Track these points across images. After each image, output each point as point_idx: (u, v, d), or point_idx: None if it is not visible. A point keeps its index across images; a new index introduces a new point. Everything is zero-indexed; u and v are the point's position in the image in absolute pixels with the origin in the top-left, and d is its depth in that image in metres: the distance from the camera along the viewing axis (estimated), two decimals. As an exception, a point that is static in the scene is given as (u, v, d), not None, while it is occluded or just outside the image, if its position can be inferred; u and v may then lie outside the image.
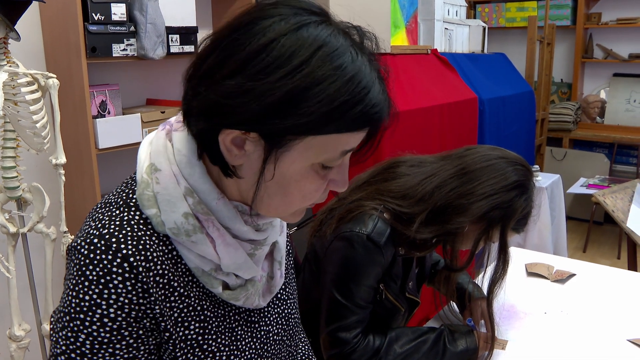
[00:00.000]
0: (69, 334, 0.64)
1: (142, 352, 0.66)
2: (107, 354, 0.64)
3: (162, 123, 0.73)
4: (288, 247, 0.93)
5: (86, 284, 0.63)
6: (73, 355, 0.64)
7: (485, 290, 1.33)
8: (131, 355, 0.65)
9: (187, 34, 2.26)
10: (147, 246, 0.66)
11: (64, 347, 0.64)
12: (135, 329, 0.65)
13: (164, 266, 0.67)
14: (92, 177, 2.03)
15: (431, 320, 1.56)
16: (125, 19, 2.03)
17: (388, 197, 1.22)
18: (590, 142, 4.85)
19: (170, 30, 2.18)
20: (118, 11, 2.02)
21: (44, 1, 1.72)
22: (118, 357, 0.64)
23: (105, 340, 0.63)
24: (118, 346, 0.64)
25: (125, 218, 0.67)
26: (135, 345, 0.65)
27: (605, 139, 4.68)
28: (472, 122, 3.00)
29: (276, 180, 0.65)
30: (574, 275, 1.80)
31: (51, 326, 0.69)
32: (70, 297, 0.64)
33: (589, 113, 4.93)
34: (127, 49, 2.05)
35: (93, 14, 1.94)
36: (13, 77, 1.67)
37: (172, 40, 2.21)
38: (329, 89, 0.58)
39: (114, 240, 0.64)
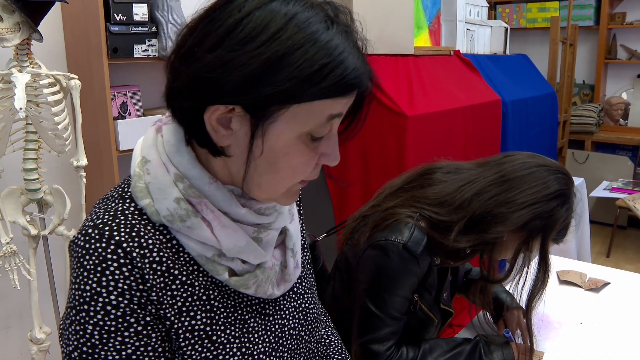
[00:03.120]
0: (77, 328, 0.64)
1: (154, 339, 0.66)
2: (117, 343, 0.63)
3: (153, 121, 0.75)
4: (304, 241, 0.91)
5: (85, 274, 0.63)
6: (85, 348, 0.63)
7: (520, 300, 1.29)
8: (142, 342, 0.65)
9: (208, 35, 2.23)
10: (142, 233, 0.66)
11: (75, 343, 0.64)
12: (141, 316, 0.64)
13: (161, 254, 0.67)
14: (113, 179, 2.00)
15: (463, 329, 1.51)
16: (147, 20, 2.01)
17: (424, 204, 1.18)
18: (613, 145, 4.75)
19: (192, 30, 2.16)
20: (140, 11, 1.99)
21: (67, 2, 1.70)
22: (129, 345, 0.64)
23: (113, 328, 0.63)
24: (126, 334, 0.63)
25: (120, 209, 0.68)
26: (145, 332, 0.65)
27: (629, 142, 4.59)
28: (495, 124, 2.95)
29: (265, 155, 0.64)
30: (609, 283, 1.75)
31: (60, 326, 0.68)
32: (73, 291, 0.65)
33: (611, 115, 4.84)
34: (148, 50, 2.03)
35: (115, 15, 1.92)
36: (35, 78, 1.65)
37: (193, 40, 2.18)
38: (307, 53, 0.59)
39: (107, 228, 0.65)
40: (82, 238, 0.65)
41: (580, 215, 3.20)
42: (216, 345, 0.70)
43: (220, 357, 0.71)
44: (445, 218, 1.15)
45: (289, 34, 0.59)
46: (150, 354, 0.65)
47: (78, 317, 0.64)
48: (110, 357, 0.63)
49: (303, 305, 0.85)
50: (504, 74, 3.37)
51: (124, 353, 0.63)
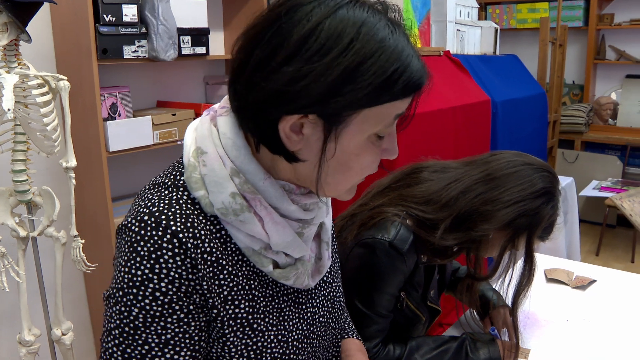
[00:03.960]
0: (123, 309, 0.66)
1: (192, 327, 0.68)
2: (159, 327, 0.65)
3: (206, 110, 0.76)
4: (333, 230, 0.94)
5: (138, 259, 0.65)
6: (127, 328, 0.65)
7: (507, 298, 1.30)
8: (182, 329, 0.67)
9: (198, 36, 2.23)
10: (195, 224, 0.67)
11: (117, 322, 0.66)
12: (185, 304, 0.66)
13: (211, 244, 0.69)
14: (103, 181, 2.00)
15: (451, 327, 1.52)
16: (136, 20, 2.01)
17: (411, 202, 1.19)
18: (602, 145, 4.79)
19: (181, 31, 2.16)
20: (129, 12, 1.99)
21: (55, 2, 1.70)
22: (169, 331, 0.66)
23: (157, 314, 0.65)
24: (169, 320, 0.65)
25: (174, 197, 0.69)
26: (186, 320, 0.67)
27: (618, 141, 4.62)
28: (485, 124, 2.97)
29: (337, 157, 0.67)
30: (595, 281, 1.76)
31: (104, 303, 0.70)
32: (122, 274, 0.66)
33: (601, 115, 4.87)
34: (138, 51, 2.03)
35: (104, 15, 1.92)
36: (24, 79, 1.65)
37: (183, 41, 2.18)
38: (380, 60, 0.62)
39: (163, 217, 0.66)
40: (136, 224, 0.66)
41: (567, 214, 3.23)
42: (256, 332, 0.73)
43: (260, 343, 0.74)
44: (431, 216, 1.16)
45: (361, 43, 0.61)
46: (187, 340, 0.67)
47: (125, 299, 0.65)
48: (149, 339, 0.65)
49: (332, 294, 0.88)
50: (494, 74, 3.39)
51: (163, 337, 0.66)
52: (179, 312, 0.66)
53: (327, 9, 0.62)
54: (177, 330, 0.66)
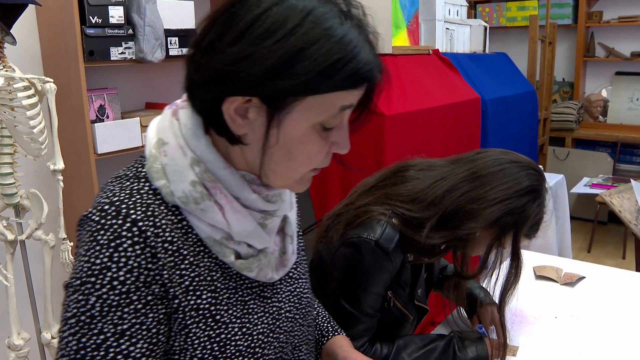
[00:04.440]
0: (80, 297, 0.65)
1: (150, 319, 0.67)
2: (115, 317, 0.65)
3: (169, 105, 0.77)
4: (299, 229, 0.95)
5: (97, 248, 0.65)
6: (83, 317, 0.65)
7: (494, 296, 1.30)
8: (139, 320, 0.66)
9: (185, 37, 2.22)
10: (156, 213, 0.68)
11: (74, 310, 0.66)
12: (144, 294, 0.66)
13: (172, 234, 0.69)
14: (91, 183, 1.99)
15: (439, 326, 1.52)
16: (123, 22, 2.00)
17: (397, 201, 1.19)
18: (593, 142, 4.82)
19: (168, 32, 2.15)
20: (116, 14, 1.99)
21: (40, 4, 1.69)
22: (126, 321, 0.65)
23: (114, 303, 0.65)
24: (126, 310, 0.65)
25: (135, 188, 0.70)
26: (143, 311, 0.66)
27: (608, 138, 4.65)
28: (475, 123, 2.97)
29: (281, 144, 0.68)
30: (584, 278, 1.77)
31: (64, 293, 0.70)
32: (82, 263, 0.66)
33: (591, 112, 4.90)
34: (125, 52, 2.02)
35: (90, 17, 1.91)
36: (9, 81, 1.64)
37: (170, 43, 2.17)
38: (322, 48, 0.62)
39: (123, 206, 0.67)
40: (97, 213, 0.67)
41: (558, 211, 3.24)
42: (219, 324, 0.73)
43: (223, 335, 0.73)
44: (417, 215, 1.16)
45: (305, 29, 0.62)
46: (144, 332, 0.67)
47: (82, 288, 0.65)
48: (105, 329, 0.65)
49: (298, 290, 0.88)
50: (483, 72, 3.40)
51: (119, 327, 0.65)
52: (136, 303, 0.66)
53: None
54: (133, 321, 0.66)
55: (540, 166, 3.54)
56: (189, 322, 0.71)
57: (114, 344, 0.65)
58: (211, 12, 0.67)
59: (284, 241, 0.84)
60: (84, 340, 0.65)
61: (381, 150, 2.13)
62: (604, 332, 1.45)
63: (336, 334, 1.05)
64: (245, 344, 0.76)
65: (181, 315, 0.70)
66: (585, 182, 4.25)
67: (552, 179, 3.43)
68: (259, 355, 0.77)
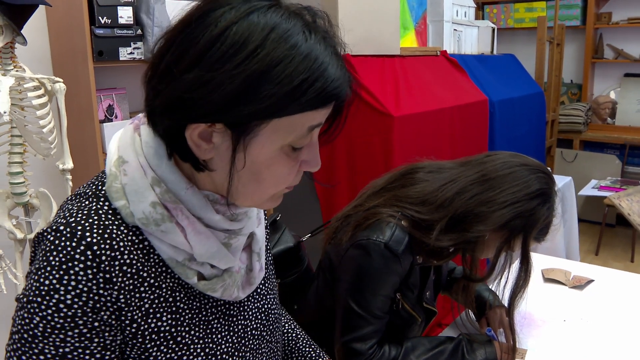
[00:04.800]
0: (25, 314, 0.64)
1: (95, 344, 0.65)
2: (57, 340, 0.64)
3: (132, 118, 0.74)
4: (267, 243, 0.92)
5: (48, 269, 0.63)
6: (26, 335, 0.64)
7: (502, 298, 1.30)
8: (83, 345, 0.65)
9: (194, 37, 2.23)
10: (114, 235, 0.66)
11: (18, 327, 0.65)
12: (90, 320, 0.64)
13: (131, 256, 0.67)
14: (100, 183, 2.00)
15: (447, 328, 1.52)
16: (132, 22, 2.01)
17: (406, 203, 1.19)
18: (601, 144, 4.79)
19: (177, 33, 2.16)
20: (125, 14, 1.99)
21: (50, 5, 1.70)
22: (68, 344, 0.64)
23: (58, 325, 0.63)
24: (70, 333, 0.64)
25: (94, 208, 0.68)
26: (88, 335, 0.65)
27: (617, 140, 4.62)
28: (482, 124, 2.96)
29: (248, 168, 0.65)
30: (592, 281, 1.76)
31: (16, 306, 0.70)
32: (32, 281, 0.65)
33: (599, 114, 4.87)
34: (134, 53, 2.03)
35: (100, 18, 1.92)
36: (20, 81, 1.65)
37: (179, 43, 2.18)
38: (287, 69, 0.59)
39: (79, 228, 0.64)
40: (52, 233, 0.65)
41: (566, 213, 3.22)
42: (180, 346, 0.71)
43: (185, 357, 0.71)
44: (426, 217, 1.16)
45: (267, 50, 0.59)
46: (87, 357, 0.65)
47: (29, 306, 0.64)
48: (46, 350, 0.64)
49: (266, 306, 0.86)
50: (491, 74, 3.39)
51: (60, 350, 0.64)
52: (81, 327, 0.64)
53: (237, 14, 0.60)
54: (76, 344, 0.64)
55: (548, 168, 3.54)
56: (148, 345, 0.69)
57: None
58: (167, 30, 0.63)
59: (251, 258, 0.81)
60: (24, 358, 0.64)
61: (389, 151, 2.12)
62: (614, 336, 1.44)
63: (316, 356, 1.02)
64: None
65: (140, 340, 0.68)
66: (593, 185, 4.23)
67: (560, 181, 3.41)
68: None
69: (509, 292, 1.24)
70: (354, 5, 2.26)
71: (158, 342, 0.69)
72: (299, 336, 1.04)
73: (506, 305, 1.28)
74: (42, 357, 0.64)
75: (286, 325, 1.05)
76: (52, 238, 0.64)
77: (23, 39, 1.63)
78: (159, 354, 0.69)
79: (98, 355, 0.66)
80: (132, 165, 0.68)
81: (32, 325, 0.64)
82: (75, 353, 0.64)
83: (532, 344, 1.41)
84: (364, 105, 2.12)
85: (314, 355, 1.02)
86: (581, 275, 1.79)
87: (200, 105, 0.60)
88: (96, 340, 0.65)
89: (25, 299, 0.65)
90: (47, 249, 0.64)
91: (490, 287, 1.50)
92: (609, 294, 1.68)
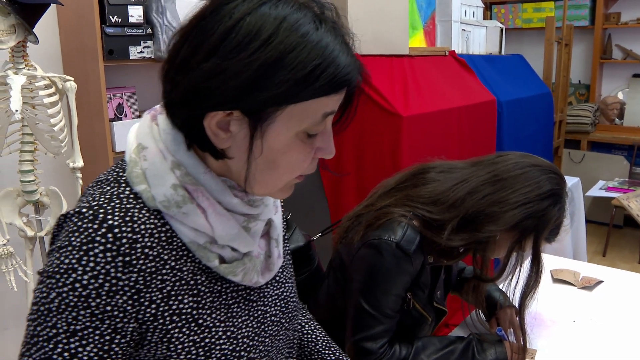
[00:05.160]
0: (44, 289, 0.67)
1: (105, 326, 0.67)
2: (70, 317, 0.65)
3: (148, 110, 0.76)
4: (284, 233, 0.94)
5: (69, 248, 0.65)
6: (42, 308, 0.66)
7: (513, 298, 1.30)
8: (93, 325, 0.66)
9: (204, 36, 2.23)
10: (135, 218, 0.68)
11: (37, 299, 0.67)
12: (103, 303, 0.66)
13: (152, 239, 0.68)
14: (109, 181, 2.01)
15: (457, 328, 1.52)
16: (142, 21, 2.02)
17: (418, 203, 1.19)
18: (609, 144, 4.77)
19: (187, 32, 2.16)
20: (135, 13, 2.00)
21: (62, 4, 1.71)
22: (79, 323, 0.65)
23: (72, 304, 0.65)
24: (82, 312, 0.65)
25: (115, 192, 0.69)
26: (100, 317, 0.66)
27: (625, 141, 4.60)
28: (490, 124, 2.96)
29: (265, 155, 0.67)
30: (602, 282, 1.76)
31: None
32: (53, 259, 0.67)
33: (607, 115, 4.85)
34: (144, 52, 2.04)
35: (110, 17, 1.93)
36: (31, 80, 1.66)
37: (189, 42, 2.18)
38: (300, 55, 0.61)
39: (101, 211, 0.66)
40: (75, 215, 0.67)
41: (573, 214, 3.21)
42: (202, 328, 0.73)
43: (207, 339, 0.73)
44: (438, 217, 1.16)
45: (280, 39, 0.61)
46: (97, 337, 0.66)
47: (47, 281, 0.66)
48: (58, 325, 0.65)
49: (285, 294, 0.88)
50: (499, 74, 3.38)
51: (72, 327, 0.65)
52: (93, 308, 0.65)
53: (250, 6, 0.62)
54: (87, 324, 0.65)
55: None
56: (170, 327, 0.70)
57: (64, 340, 0.65)
58: (182, 26, 0.66)
59: (269, 245, 0.83)
60: (39, 328, 0.66)
61: (397, 151, 2.12)
62: (623, 336, 1.44)
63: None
64: (230, 347, 0.75)
65: (161, 321, 0.70)
66: (600, 186, 4.21)
67: (568, 182, 3.39)
68: (245, 358, 0.77)
69: (519, 293, 1.24)
70: (363, 5, 2.26)
71: (180, 324, 0.71)
72: (319, 338, 1.04)
73: (517, 305, 1.28)
74: (54, 330, 0.65)
75: (306, 325, 1.05)
76: (75, 220, 0.67)
77: (35, 38, 1.64)
78: (180, 335, 0.71)
79: (107, 337, 0.67)
80: (152, 151, 0.70)
81: (48, 300, 0.66)
82: (85, 332, 0.66)
83: (542, 344, 1.41)
84: (372, 105, 2.12)
85: (333, 358, 1.02)
86: (590, 276, 1.79)
87: (217, 93, 0.62)
88: (107, 322, 0.66)
89: (45, 275, 0.67)
90: (70, 229, 0.66)
91: (500, 287, 1.50)
92: (618, 295, 1.67)
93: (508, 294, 1.36)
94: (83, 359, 0.65)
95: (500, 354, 1.26)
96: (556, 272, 1.82)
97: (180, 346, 0.71)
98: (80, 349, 0.66)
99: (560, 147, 4.49)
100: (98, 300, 0.65)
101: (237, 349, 0.76)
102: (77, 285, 0.64)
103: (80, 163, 1.81)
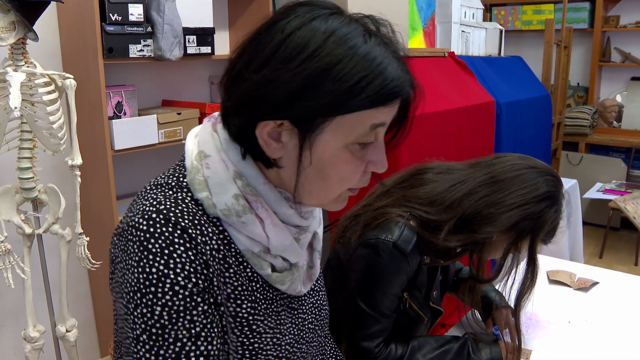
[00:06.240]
0: (144, 310, 0.64)
1: (217, 318, 0.68)
2: (186, 322, 0.65)
3: (207, 117, 0.78)
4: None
5: (150, 257, 0.64)
6: (154, 330, 0.64)
7: (509, 299, 1.30)
8: (209, 320, 0.67)
9: (203, 35, 2.24)
10: (202, 222, 0.69)
11: (143, 326, 0.65)
12: (206, 297, 0.67)
13: (218, 242, 0.70)
14: (108, 179, 2.01)
15: (453, 328, 1.52)
16: (142, 20, 2.02)
17: (415, 203, 1.19)
18: (606, 147, 4.78)
19: (187, 31, 2.17)
20: (135, 12, 2.01)
21: (62, 1, 1.71)
22: (197, 324, 0.66)
23: (182, 308, 0.65)
24: (194, 312, 0.66)
25: (180, 197, 0.70)
26: (210, 311, 0.67)
27: (623, 144, 4.62)
28: (489, 126, 2.96)
29: (314, 165, 0.69)
30: (597, 283, 1.76)
31: (115, 309, 0.70)
32: (136, 274, 0.65)
33: (605, 117, 4.86)
34: (144, 50, 2.04)
35: (110, 15, 1.93)
36: (30, 77, 1.66)
37: (189, 41, 2.19)
38: (346, 67, 0.63)
39: (171, 214, 0.67)
40: (145, 222, 0.66)
41: (570, 216, 3.22)
42: (254, 333, 0.74)
43: (256, 344, 0.74)
44: (435, 217, 1.17)
45: (327, 50, 0.63)
46: (216, 330, 0.68)
47: (145, 300, 0.64)
48: (180, 336, 0.65)
49: (319, 302, 0.90)
50: (498, 75, 3.39)
51: (193, 331, 0.66)
52: (202, 304, 0.66)
53: (302, 21, 0.65)
54: (204, 322, 0.66)
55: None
56: (225, 328, 0.72)
57: (192, 347, 0.65)
58: (243, 40, 0.69)
59: (312, 256, 0.85)
60: (162, 352, 0.64)
61: (396, 151, 2.13)
62: (618, 338, 1.45)
63: None
64: (274, 353, 0.77)
65: (223, 322, 0.72)
66: (598, 188, 4.22)
67: (565, 184, 3.38)
68: None
69: (515, 293, 1.25)
70: (362, 5, 2.26)
71: (233, 326, 0.72)
72: (332, 351, 1.03)
73: (512, 306, 1.29)
74: (179, 344, 0.65)
75: (331, 351, 1.04)
76: (145, 227, 0.66)
77: (35, 35, 1.64)
78: (232, 336, 0.72)
79: (217, 330, 0.69)
80: (214, 160, 0.72)
81: (156, 318, 0.64)
82: (205, 330, 0.67)
83: (537, 345, 1.41)
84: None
85: None
86: (586, 277, 1.80)
87: (267, 102, 0.65)
88: (217, 314, 0.69)
89: (137, 295, 0.65)
90: (143, 238, 0.65)
91: (496, 287, 1.50)
92: (614, 297, 1.68)
93: (504, 295, 1.36)
94: (215, 356, 0.67)
95: (496, 354, 1.27)
96: (552, 273, 1.83)
97: (230, 346, 0.72)
98: (210, 347, 0.67)
99: (558, 149, 4.50)
100: (202, 296, 0.66)
101: (280, 355, 0.78)
102: (177, 288, 0.65)
103: (79, 161, 1.81)
